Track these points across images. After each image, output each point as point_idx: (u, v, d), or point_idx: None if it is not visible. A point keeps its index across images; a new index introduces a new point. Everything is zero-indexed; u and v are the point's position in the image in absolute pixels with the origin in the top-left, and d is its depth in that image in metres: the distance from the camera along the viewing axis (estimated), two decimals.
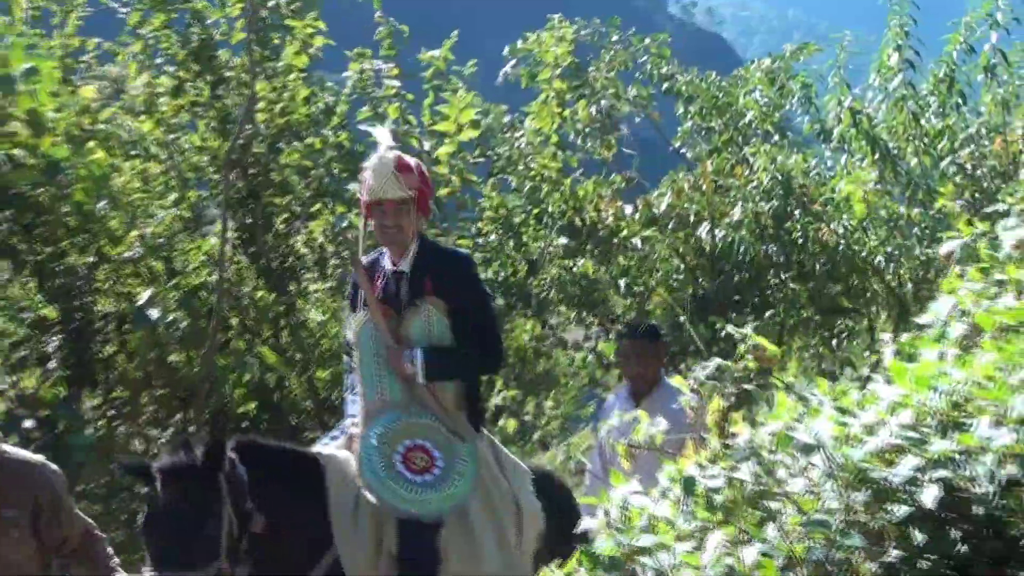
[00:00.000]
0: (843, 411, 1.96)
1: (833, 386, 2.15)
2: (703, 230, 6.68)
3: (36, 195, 6.83)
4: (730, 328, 3.26)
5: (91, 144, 6.91)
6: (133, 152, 7.07)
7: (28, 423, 6.49)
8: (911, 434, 1.79)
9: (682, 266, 6.85)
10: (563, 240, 6.93)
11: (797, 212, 6.67)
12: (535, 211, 7.04)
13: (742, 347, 3.05)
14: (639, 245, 6.77)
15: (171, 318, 6.84)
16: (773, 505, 1.91)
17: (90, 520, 4.07)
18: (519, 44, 7.24)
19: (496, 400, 7.19)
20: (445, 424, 3.89)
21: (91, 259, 6.91)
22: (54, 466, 3.97)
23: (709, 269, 6.74)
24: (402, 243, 3.90)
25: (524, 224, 7.06)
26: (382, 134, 4.07)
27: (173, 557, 3.33)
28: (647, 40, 7.36)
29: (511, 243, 7.06)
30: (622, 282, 6.79)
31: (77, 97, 6.95)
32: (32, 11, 7.14)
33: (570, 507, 4.47)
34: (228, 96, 7.07)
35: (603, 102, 7.01)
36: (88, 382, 6.95)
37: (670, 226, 6.85)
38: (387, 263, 3.97)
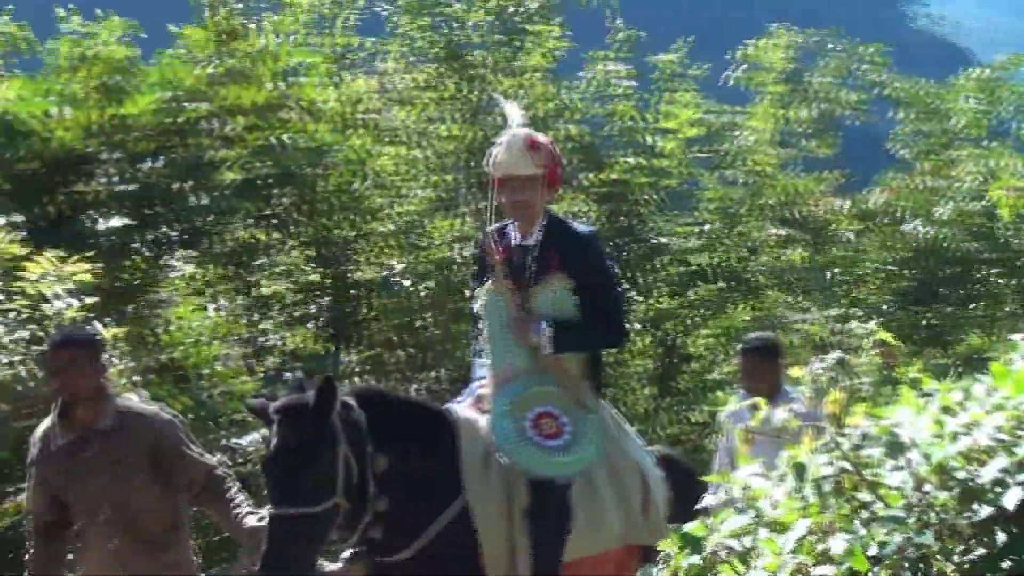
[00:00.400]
0: (946, 410, 1.98)
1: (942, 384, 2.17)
2: (913, 226, 7.21)
3: (308, 175, 7.91)
4: (856, 324, 3.56)
5: (356, 131, 7.95)
6: (392, 139, 8.03)
7: (294, 375, 7.55)
8: (1002, 436, 1.78)
9: (891, 259, 7.38)
10: (778, 230, 7.56)
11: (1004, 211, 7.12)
12: (753, 203, 7.69)
13: (866, 342, 3.11)
14: (851, 238, 7.35)
15: (419, 286, 7.81)
16: (866, 497, 1.94)
17: (214, 461, 4.32)
18: (746, 50, 7.89)
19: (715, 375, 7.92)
20: (569, 392, 3.98)
21: (353, 232, 7.93)
22: (171, 414, 4.30)
23: (917, 263, 7.25)
24: (531, 218, 3.99)
25: (743, 215, 7.71)
26: (513, 111, 4.11)
27: (287, 494, 3.46)
28: (869, 48, 7.92)
29: (730, 232, 7.71)
30: (832, 271, 7.36)
31: (347, 89, 7.98)
32: (309, 12, 8.23)
33: (694, 488, 4.66)
34: (475, 91, 7.94)
35: (822, 105, 7.61)
36: (347, 340, 7.97)
37: (878, 221, 7.41)
38: (515, 237, 4.04)
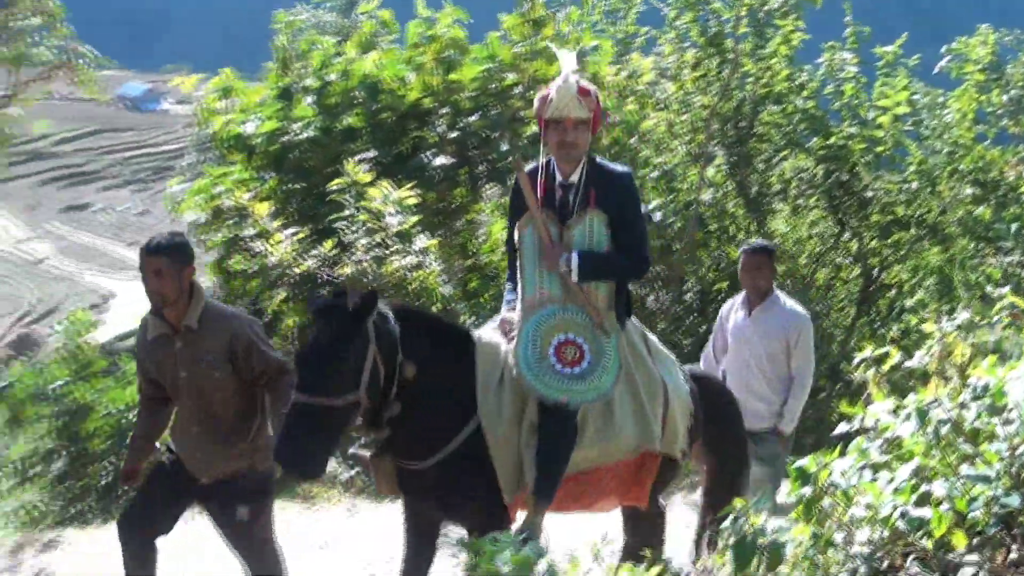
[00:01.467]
0: None
1: None
2: None
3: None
4: (988, 289, 4.25)
5: (632, 100, 10.23)
6: (660, 107, 10.29)
7: None
8: None
9: None
10: (970, 190, 9.41)
11: None
12: (950, 168, 9.56)
13: (998, 305, 3.24)
14: None
15: (671, 221, 10.03)
16: (969, 450, 1.98)
17: (283, 360, 4.50)
18: (953, 45, 9.70)
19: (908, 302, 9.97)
20: (594, 321, 4.09)
21: None
22: (247, 317, 4.61)
23: None
24: (576, 159, 4.10)
25: (940, 177, 9.58)
26: (567, 58, 4.18)
27: (312, 384, 3.63)
28: None
29: (928, 190, 9.61)
30: (1014, 226, 9.13)
31: (627, 66, 10.26)
32: (600, 7, 10.57)
33: (725, 406, 4.88)
34: (726, 71, 10.06)
35: (1013, 91, 9.34)
36: None
37: None
38: (558, 175, 4.16)
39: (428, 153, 10.28)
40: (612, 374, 4.07)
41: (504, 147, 10.27)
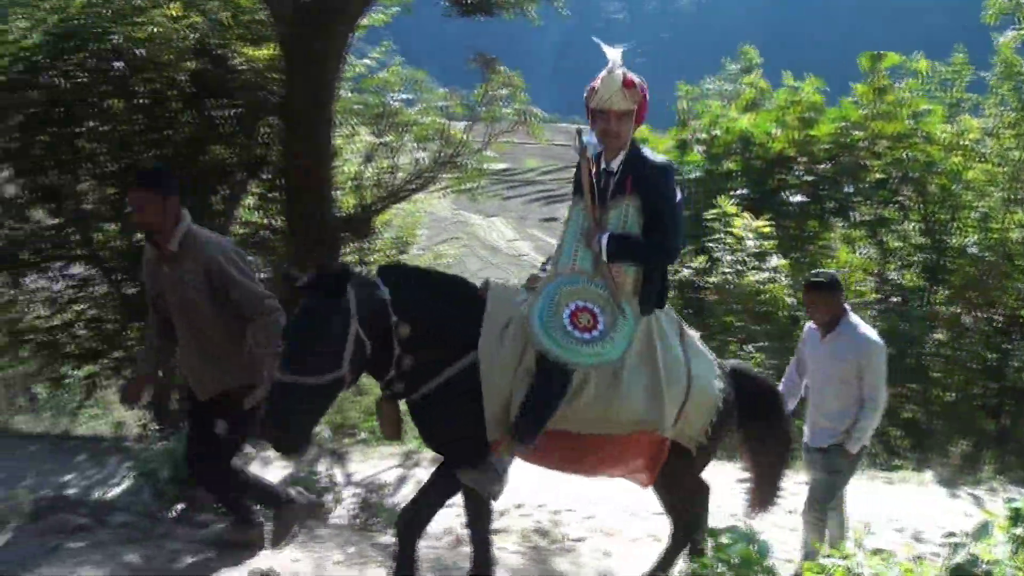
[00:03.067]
0: None
1: None
2: None
3: (923, 179, 12.56)
4: None
5: (957, 153, 12.47)
6: (981, 159, 12.45)
7: (893, 300, 12.29)
8: None
9: None
10: None
11: None
12: None
13: None
14: None
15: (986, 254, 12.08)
16: None
17: (265, 292, 4.69)
18: None
19: None
20: (616, 299, 4.18)
21: (948, 216, 12.52)
22: (226, 244, 4.80)
23: None
24: (618, 148, 4.21)
25: None
26: (612, 53, 4.19)
27: (294, 363, 3.71)
28: None
29: None
30: None
31: (956, 126, 12.52)
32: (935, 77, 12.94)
33: (768, 400, 4.95)
34: None
35: None
36: (936, 281, 12.54)
37: None
38: (603, 162, 4.28)
39: (788, 192, 13.03)
40: (620, 348, 4.15)
41: (850, 189, 12.92)
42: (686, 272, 11.63)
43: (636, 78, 4.18)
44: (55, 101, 8.85)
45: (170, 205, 4.65)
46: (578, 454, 4.36)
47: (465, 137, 9.73)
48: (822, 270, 6.38)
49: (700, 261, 11.49)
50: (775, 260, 11.17)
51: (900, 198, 12.94)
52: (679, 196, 4.35)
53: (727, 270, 11.18)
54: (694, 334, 4.62)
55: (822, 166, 13.08)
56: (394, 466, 7.66)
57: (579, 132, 4.36)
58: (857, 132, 12.99)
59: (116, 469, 7.03)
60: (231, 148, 9.45)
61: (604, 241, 4.17)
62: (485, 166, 10.08)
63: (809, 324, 5.70)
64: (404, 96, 9.92)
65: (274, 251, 9.77)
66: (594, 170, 4.28)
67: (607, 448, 4.32)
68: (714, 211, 11.64)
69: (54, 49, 8.75)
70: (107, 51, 8.78)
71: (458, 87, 10.34)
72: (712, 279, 11.20)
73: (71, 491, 6.40)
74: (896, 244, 12.84)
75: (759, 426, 4.89)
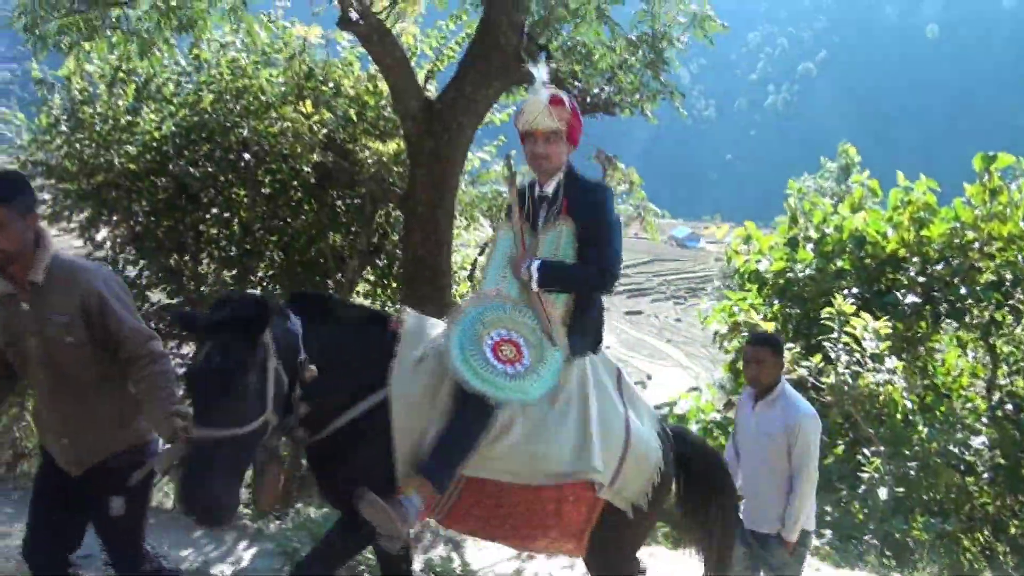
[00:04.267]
0: None
1: None
2: None
3: None
4: None
5: None
6: None
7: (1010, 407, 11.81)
8: None
9: None
10: None
11: None
12: None
13: None
14: None
15: None
16: None
17: (149, 332, 3.88)
18: None
19: None
20: (543, 330, 3.91)
21: None
22: (104, 271, 3.94)
23: None
24: (549, 170, 4.05)
25: None
26: (538, 72, 4.07)
27: (213, 415, 3.28)
28: None
29: None
30: None
31: None
32: None
33: (710, 471, 4.59)
34: None
35: None
36: None
37: None
38: (536, 187, 4.11)
39: (900, 292, 12.73)
40: (544, 384, 3.84)
41: (963, 291, 12.59)
42: (801, 372, 11.23)
43: (564, 96, 4.04)
44: (182, 188, 9.16)
45: (30, 224, 3.76)
46: (501, 511, 3.95)
47: None
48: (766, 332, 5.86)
49: (816, 360, 11.24)
50: (892, 362, 10.93)
51: (1013, 301, 12.51)
52: (617, 219, 4.18)
53: (843, 370, 10.89)
54: (632, 383, 4.34)
55: (936, 267, 12.82)
56: (512, 556, 7.47)
57: (508, 157, 4.36)
58: (971, 233, 12.72)
59: (234, 544, 6.91)
60: (349, 235, 9.65)
61: (535, 267, 3.97)
62: None
63: (744, 391, 5.40)
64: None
65: None
66: (528, 196, 4.13)
67: (533, 505, 3.93)
68: (829, 310, 11.45)
69: (184, 140, 9.12)
70: (235, 143, 9.11)
71: None
72: (829, 379, 10.91)
73: (196, 566, 6.25)
74: (1008, 349, 12.42)
75: (697, 495, 4.56)
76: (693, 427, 9.51)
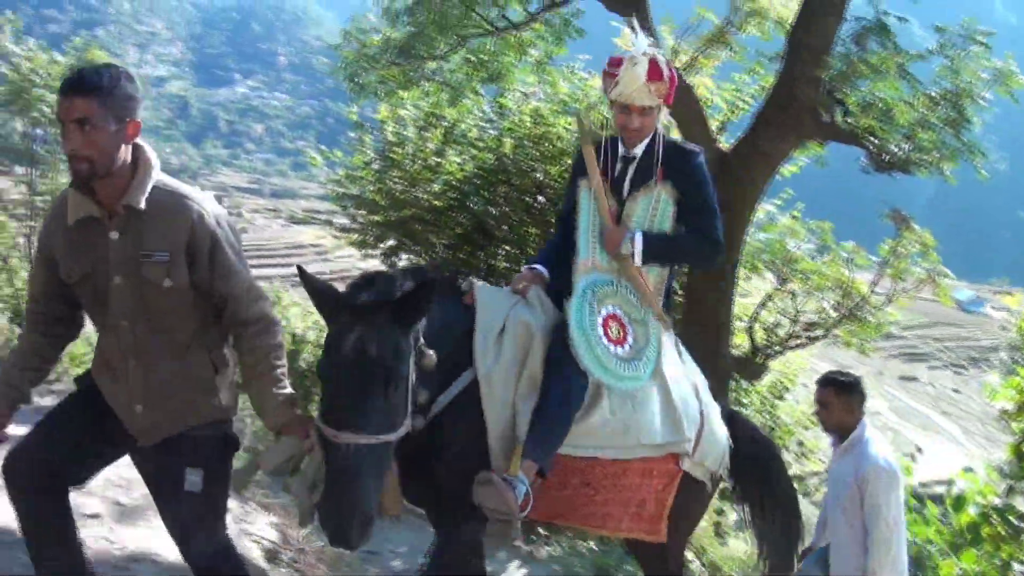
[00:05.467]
0: None
1: None
2: None
3: None
4: None
5: None
6: None
7: None
8: None
9: None
10: None
11: None
12: None
13: None
14: None
15: None
16: None
17: (266, 296, 3.26)
18: None
19: None
20: (643, 305, 3.72)
21: None
22: (221, 209, 3.21)
23: None
24: (640, 140, 3.79)
25: None
26: (636, 38, 3.75)
27: (362, 417, 2.87)
28: None
29: None
30: None
31: None
32: None
33: (763, 451, 4.40)
34: None
35: None
36: None
37: None
38: (620, 148, 3.83)
39: None
40: (651, 366, 3.68)
41: None
42: None
43: (663, 66, 3.67)
44: (478, 225, 9.82)
45: (130, 133, 3.04)
46: (588, 491, 3.70)
47: (869, 291, 9.52)
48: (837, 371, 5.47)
49: None
50: None
51: None
52: (714, 188, 3.91)
53: None
54: (686, 351, 4.12)
55: None
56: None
57: (579, 113, 4.12)
58: None
59: (506, 562, 6.89)
60: None
61: (639, 243, 3.68)
62: (884, 322, 9.81)
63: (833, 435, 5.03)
64: (806, 244, 9.97)
65: None
66: (608, 155, 3.83)
67: (619, 480, 3.69)
68: None
69: (483, 181, 9.80)
70: (530, 186, 9.66)
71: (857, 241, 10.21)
72: None
73: None
74: None
75: (754, 473, 4.38)
76: (971, 510, 8.89)
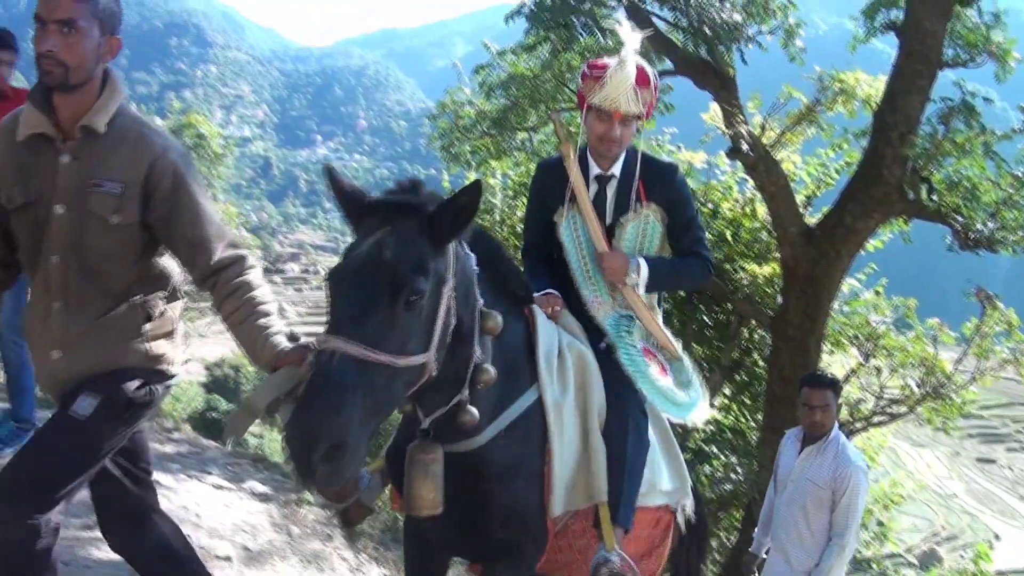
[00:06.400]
0: None
1: None
2: None
3: None
4: None
5: None
6: None
7: None
8: None
9: None
10: None
11: None
12: None
13: None
14: None
15: None
16: None
17: (234, 235, 2.91)
18: None
19: None
20: (666, 345, 3.53)
21: None
22: (181, 145, 2.93)
23: None
24: (615, 156, 3.46)
25: None
26: (631, 36, 3.43)
27: (361, 325, 2.33)
28: None
29: None
30: None
31: None
32: None
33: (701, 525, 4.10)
34: None
35: None
36: None
37: None
38: (593, 167, 3.49)
39: None
40: (700, 392, 3.47)
41: None
42: None
43: (650, 73, 3.39)
44: None
45: (109, 48, 2.78)
46: (582, 541, 3.24)
47: (953, 369, 9.50)
48: (824, 373, 5.49)
49: None
50: None
51: None
52: (695, 202, 3.68)
53: None
54: None
55: None
56: None
57: (555, 113, 3.63)
58: None
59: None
60: (713, 349, 10.01)
61: (644, 271, 3.36)
62: (967, 401, 9.75)
63: (789, 433, 5.14)
64: (889, 320, 9.98)
65: (735, 451, 10.06)
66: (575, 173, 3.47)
67: (635, 532, 3.26)
68: None
69: None
70: None
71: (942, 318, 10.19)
72: None
73: None
74: None
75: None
76: None
